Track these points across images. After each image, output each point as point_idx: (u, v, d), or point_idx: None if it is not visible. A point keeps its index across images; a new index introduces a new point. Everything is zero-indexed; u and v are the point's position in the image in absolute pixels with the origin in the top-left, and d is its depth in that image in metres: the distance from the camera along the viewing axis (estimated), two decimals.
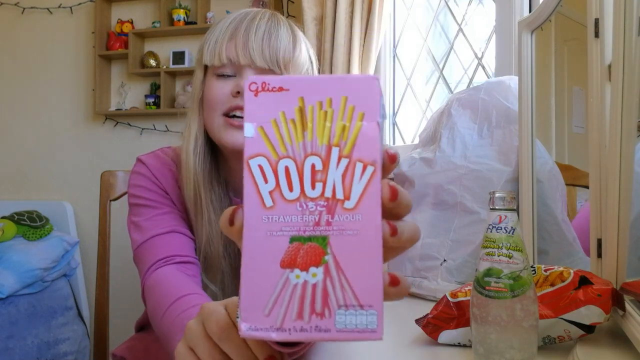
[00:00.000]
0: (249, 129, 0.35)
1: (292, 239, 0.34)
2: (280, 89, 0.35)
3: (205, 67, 0.83)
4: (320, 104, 0.34)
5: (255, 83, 0.35)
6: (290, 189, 0.34)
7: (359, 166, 0.34)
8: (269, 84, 0.35)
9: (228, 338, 0.44)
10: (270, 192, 0.34)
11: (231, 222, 0.35)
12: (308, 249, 0.34)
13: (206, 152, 0.85)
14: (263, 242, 0.34)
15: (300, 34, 0.85)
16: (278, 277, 0.33)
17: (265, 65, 0.79)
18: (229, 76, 0.80)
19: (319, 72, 0.88)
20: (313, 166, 0.34)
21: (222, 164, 0.89)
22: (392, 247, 0.35)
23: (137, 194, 0.85)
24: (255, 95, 0.35)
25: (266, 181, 0.34)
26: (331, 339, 0.34)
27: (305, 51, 0.85)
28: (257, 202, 0.34)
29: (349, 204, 0.34)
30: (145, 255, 0.80)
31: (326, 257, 0.33)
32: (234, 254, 0.87)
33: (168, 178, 0.86)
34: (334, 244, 0.33)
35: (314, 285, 0.33)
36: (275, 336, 0.33)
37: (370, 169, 0.34)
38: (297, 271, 0.34)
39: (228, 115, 0.80)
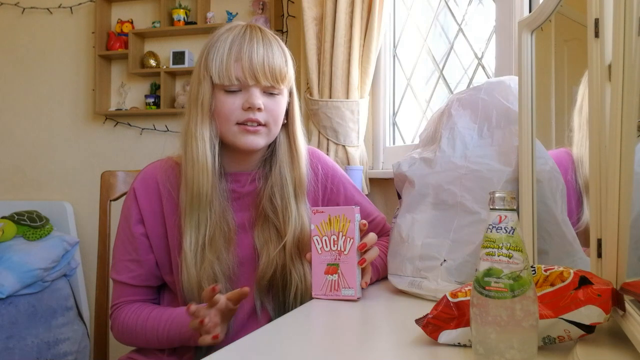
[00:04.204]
0: (313, 227, 0.94)
1: (328, 264, 0.93)
2: (322, 212, 0.94)
3: (212, 82, 0.96)
4: (337, 217, 0.93)
5: (314, 209, 0.94)
6: (326, 246, 0.93)
7: (349, 239, 0.92)
8: (317, 210, 0.94)
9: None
10: (320, 247, 0.93)
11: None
12: (332, 268, 0.93)
13: (220, 153, 0.99)
14: (318, 264, 0.94)
15: (282, 44, 1.01)
16: (324, 277, 0.94)
17: (267, 83, 0.95)
18: (236, 91, 0.96)
19: (294, 67, 1.03)
20: (334, 239, 0.93)
21: (227, 158, 1.04)
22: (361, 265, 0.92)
23: (121, 225, 1.03)
24: (314, 214, 0.94)
25: (319, 243, 0.94)
26: (339, 299, 0.92)
27: (290, 60, 1.01)
28: (316, 250, 0.94)
29: (345, 252, 0.93)
30: (115, 285, 1.03)
31: (338, 271, 0.93)
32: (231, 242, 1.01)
33: (153, 200, 1.00)
34: (340, 266, 0.93)
35: (335, 281, 0.93)
36: (323, 297, 0.93)
37: (351, 241, 0.92)
38: (329, 276, 0.93)
39: (240, 123, 0.96)
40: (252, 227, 1.03)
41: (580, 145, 0.85)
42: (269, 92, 0.97)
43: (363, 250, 0.91)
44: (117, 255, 1.02)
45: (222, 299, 0.86)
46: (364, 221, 0.94)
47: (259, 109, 0.95)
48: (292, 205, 1.01)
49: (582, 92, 0.81)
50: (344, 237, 0.92)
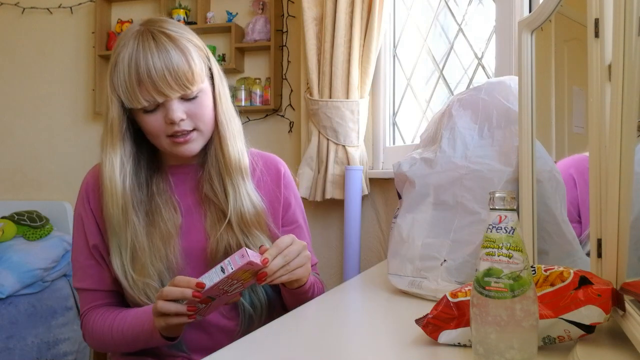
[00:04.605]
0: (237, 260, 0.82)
1: (208, 296, 0.83)
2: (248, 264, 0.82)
3: (123, 105, 0.94)
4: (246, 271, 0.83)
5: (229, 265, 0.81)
6: (224, 285, 0.83)
7: (239, 285, 0.86)
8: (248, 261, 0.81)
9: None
10: (221, 280, 0.82)
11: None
12: (208, 299, 0.85)
13: (133, 171, 0.98)
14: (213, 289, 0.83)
15: (179, 37, 0.93)
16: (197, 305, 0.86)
17: (177, 93, 0.92)
18: (154, 109, 0.93)
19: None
20: (231, 283, 0.84)
21: (166, 155, 1.04)
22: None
23: (76, 232, 1.03)
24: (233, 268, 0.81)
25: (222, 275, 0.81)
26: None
27: (194, 54, 0.94)
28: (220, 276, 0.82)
29: (228, 293, 0.86)
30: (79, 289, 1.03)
31: (210, 303, 0.86)
32: (159, 249, 0.99)
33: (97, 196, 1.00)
34: (214, 301, 0.86)
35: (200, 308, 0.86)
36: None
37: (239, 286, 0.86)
38: (200, 305, 0.85)
39: (170, 135, 0.95)
40: (200, 214, 1.03)
41: None
42: (186, 98, 0.94)
43: (266, 264, 0.84)
44: (77, 264, 1.02)
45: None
46: (263, 256, 0.86)
47: (182, 120, 0.93)
48: (228, 185, 1.00)
49: None
50: (238, 283, 0.84)
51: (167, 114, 0.92)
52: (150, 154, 1.03)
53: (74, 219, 1.04)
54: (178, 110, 0.92)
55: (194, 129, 0.96)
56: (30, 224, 2.44)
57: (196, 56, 0.94)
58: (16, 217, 2.45)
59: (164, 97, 0.91)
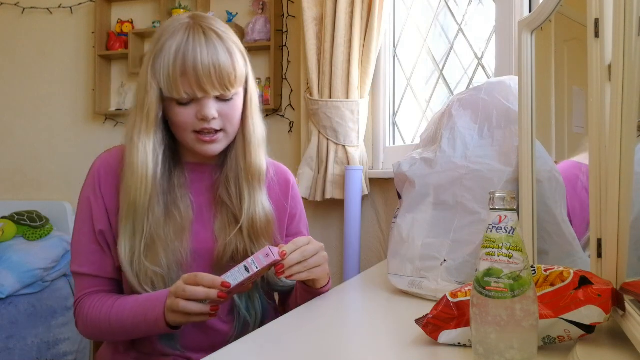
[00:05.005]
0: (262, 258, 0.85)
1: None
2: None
3: (161, 93, 0.94)
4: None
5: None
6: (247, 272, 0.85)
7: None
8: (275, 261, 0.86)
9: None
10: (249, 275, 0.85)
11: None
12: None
13: (162, 160, 0.98)
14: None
15: (229, 40, 0.95)
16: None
17: (217, 93, 0.93)
18: (188, 103, 0.94)
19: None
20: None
21: (185, 150, 1.04)
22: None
23: (81, 215, 1.01)
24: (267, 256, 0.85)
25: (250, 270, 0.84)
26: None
27: (240, 57, 0.97)
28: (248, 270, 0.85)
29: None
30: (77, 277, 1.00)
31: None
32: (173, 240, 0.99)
33: (113, 185, 0.99)
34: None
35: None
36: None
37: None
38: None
39: (197, 131, 0.95)
40: (211, 215, 1.03)
41: None
42: (222, 98, 0.95)
43: (284, 256, 0.86)
44: (78, 247, 1.00)
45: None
46: (283, 249, 0.88)
47: (214, 118, 0.94)
48: (244, 191, 1.01)
49: None
50: (256, 277, 0.88)
51: (201, 110, 0.93)
52: (172, 146, 1.03)
53: (79, 203, 1.02)
54: (212, 108, 0.94)
55: (221, 130, 0.97)
56: (30, 224, 2.44)
57: (240, 59, 0.96)
58: (16, 217, 2.44)
59: (204, 93, 0.92)
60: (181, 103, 0.94)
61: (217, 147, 0.98)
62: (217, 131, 0.96)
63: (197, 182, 1.04)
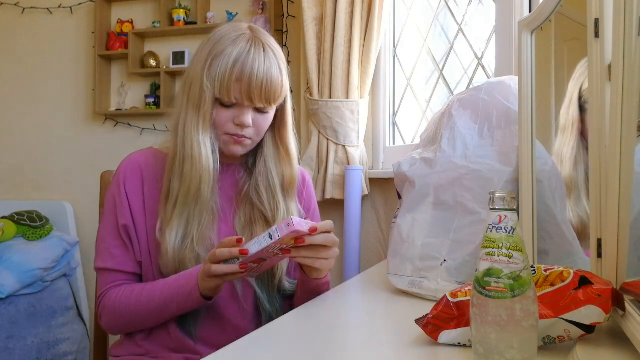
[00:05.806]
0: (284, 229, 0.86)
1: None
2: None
3: (213, 93, 1.00)
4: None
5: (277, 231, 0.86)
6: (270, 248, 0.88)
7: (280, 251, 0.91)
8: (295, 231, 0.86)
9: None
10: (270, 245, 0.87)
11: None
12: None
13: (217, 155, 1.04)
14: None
15: (280, 57, 1.03)
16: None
17: (261, 105, 1.00)
18: (230, 106, 1.00)
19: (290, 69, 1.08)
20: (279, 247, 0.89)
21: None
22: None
23: (107, 214, 1.05)
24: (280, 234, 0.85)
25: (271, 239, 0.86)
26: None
27: (286, 74, 1.04)
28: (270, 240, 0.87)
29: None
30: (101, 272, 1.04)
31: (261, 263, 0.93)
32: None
33: (137, 186, 1.04)
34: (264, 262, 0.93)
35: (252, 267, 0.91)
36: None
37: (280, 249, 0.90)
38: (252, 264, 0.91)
39: (229, 134, 1.02)
40: (233, 214, 1.08)
41: (562, 144, 0.86)
42: (261, 110, 1.02)
43: (313, 232, 0.88)
44: (102, 244, 1.04)
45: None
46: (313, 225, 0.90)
47: (249, 127, 1.01)
48: (279, 197, 1.07)
49: (572, 90, 0.81)
50: (285, 247, 0.89)
51: (240, 116, 1.00)
52: None
53: (105, 203, 1.07)
54: (250, 117, 1.00)
55: (250, 138, 1.03)
56: (30, 224, 2.44)
57: (286, 78, 1.04)
58: (16, 217, 2.44)
59: (250, 102, 0.99)
60: (224, 104, 1.00)
61: (242, 150, 1.05)
62: (247, 137, 1.02)
63: (222, 180, 1.08)
